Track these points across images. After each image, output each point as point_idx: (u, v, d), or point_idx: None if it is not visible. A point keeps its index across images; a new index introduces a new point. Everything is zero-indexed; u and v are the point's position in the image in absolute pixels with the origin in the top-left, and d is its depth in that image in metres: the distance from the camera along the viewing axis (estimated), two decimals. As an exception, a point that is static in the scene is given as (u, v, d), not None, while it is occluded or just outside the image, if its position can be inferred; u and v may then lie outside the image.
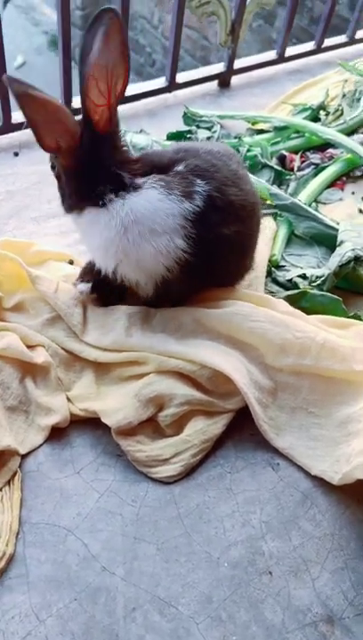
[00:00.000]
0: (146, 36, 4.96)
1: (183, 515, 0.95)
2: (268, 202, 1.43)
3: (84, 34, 0.95)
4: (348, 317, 1.19)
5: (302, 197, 1.48)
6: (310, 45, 2.12)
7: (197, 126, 1.65)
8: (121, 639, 0.82)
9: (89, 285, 1.13)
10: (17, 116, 1.58)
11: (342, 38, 2.20)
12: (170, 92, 1.83)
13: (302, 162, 1.62)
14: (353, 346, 1.07)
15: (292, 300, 1.19)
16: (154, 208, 1.01)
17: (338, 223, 1.39)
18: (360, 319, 1.18)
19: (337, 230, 1.36)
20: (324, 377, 1.07)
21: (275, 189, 1.43)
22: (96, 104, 0.97)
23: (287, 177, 1.55)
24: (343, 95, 1.85)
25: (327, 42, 2.15)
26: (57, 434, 1.02)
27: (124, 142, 1.07)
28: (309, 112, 1.74)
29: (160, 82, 1.82)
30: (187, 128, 1.65)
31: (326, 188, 1.57)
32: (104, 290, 1.13)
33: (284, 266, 1.33)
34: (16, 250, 1.18)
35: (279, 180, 1.54)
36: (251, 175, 1.43)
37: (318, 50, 2.12)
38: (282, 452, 1.03)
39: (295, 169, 1.59)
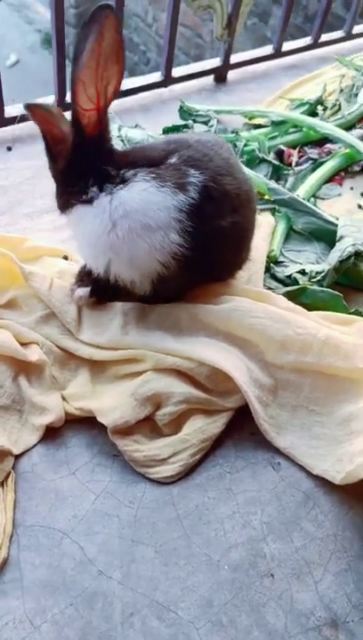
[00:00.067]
0: (140, 34, 4.94)
1: (182, 516, 0.92)
2: (266, 197, 1.40)
3: (79, 33, 0.92)
4: (349, 314, 1.16)
5: (301, 193, 1.45)
6: (306, 40, 2.10)
7: (194, 121, 1.63)
8: (119, 645, 0.80)
9: (87, 290, 1.10)
10: (10, 110, 1.55)
11: (338, 33, 2.19)
12: (166, 86, 1.80)
13: (300, 157, 1.60)
14: (356, 342, 1.05)
15: (291, 296, 1.17)
16: (145, 201, 0.98)
17: (337, 219, 1.37)
18: (362, 315, 1.16)
19: (336, 226, 1.34)
20: (326, 374, 1.04)
21: (273, 184, 1.41)
22: (84, 108, 0.95)
23: (285, 172, 1.53)
24: (341, 90, 1.84)
25: (324, 37, 2.13)
26: (51, 434, 0.99)
27: (111, 144, 1.04)
28: (306, 107, 1.72)
29: (156, 76, 1.79)
30: (183, 122, 1.63)
31: (325, 183, 1.55)
32: (102, 291, 1.09)
33: (283, 262, 1.31)
34: (9, 245, 1.15)
35: (277, 174, 1.52)
36: (249, 170, 1.42)
37: (315, 45, 2.10)
38: (283, 451, 1.00)
39: (293, 164, 1.56)
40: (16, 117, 1.53)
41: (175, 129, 1.58)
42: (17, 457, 0.96)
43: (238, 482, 0.97)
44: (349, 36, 2.19)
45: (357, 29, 2.21)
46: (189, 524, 0.92)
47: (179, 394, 0.99)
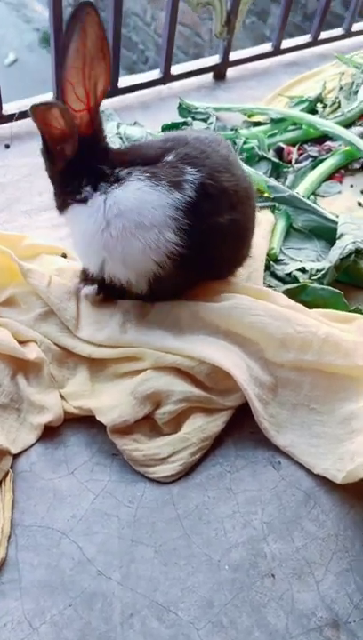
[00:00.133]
0: (138, 33, 4.93)
1: (182, 516, 0.92)
2: (266, 194, 1.39)
3: (63, 34, 0.91)
4: (349, 311, 1.16)
5: (301, 190, 1.45)
6: (305, 38, 2.09)
7: (193, 118, 1.62)
8: (118, 647, 0.79)
9: (94, 287, 1.09)
10: (8, 107, 1.55)
11: (338, 31, 2.17)
12: (164, 83, 1.79)
13: (300, 154, 1.59)
14: (356, 340, 1.04)
15: (292, 294, 1.16)
16: (139, 200, 0.97)
17: (337, 216, 1.36)
18: (362, 313, 1.15)
19: (336, 223, 1.33)
20: (326, 372, 1.03)
21: (273, 182, 1.40)
22: (75, 109, 0.95)
23: (285, 169, 1.52)
24: (340, 88, 1.83)
25: (323, 34, 2.12)
26: (50, 433, 0.98)
27: (106, 142, 1.04)
28: (306, 104, 1.71)
29: (155, 74, 1.78)
30: (182, 120, 1.62)
31: (325, 180, 1.54)
32: (110, 288, 1.08)
33: (282, 259, 1.30)
34: (7, 243, 1.14)
35: (277, 172, 1.51)
36: (248, 167, 1.41)
37: (314, 42, 2.09)
38: (283, 449, 1.00)
39: (293, 161, 1.55)
40: (14, 115, 1.52)
41: (174, 126, 1.57)
42: (15, 456, 0.95)
43: (239, 481, 0.96)
44: (348, 34, 2.18)
45: (356, 27, 2.20)
46: (189, 523, 0.91)
47: (179, 392, 0.98)
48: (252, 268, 1.19)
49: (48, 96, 1.59)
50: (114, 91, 1.68)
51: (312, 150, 1.59)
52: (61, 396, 1.01)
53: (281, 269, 1.26)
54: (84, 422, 1.00)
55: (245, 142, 1.53)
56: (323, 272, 1.22)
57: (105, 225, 0.98)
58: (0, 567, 0.84)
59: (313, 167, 1.55)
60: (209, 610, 0.83)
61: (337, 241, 1.27)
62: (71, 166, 1.00)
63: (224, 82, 1.91)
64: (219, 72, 1.90)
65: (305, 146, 1.61)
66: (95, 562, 0.86)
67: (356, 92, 1.81)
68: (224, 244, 1.06)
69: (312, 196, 1.47)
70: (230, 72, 1.93)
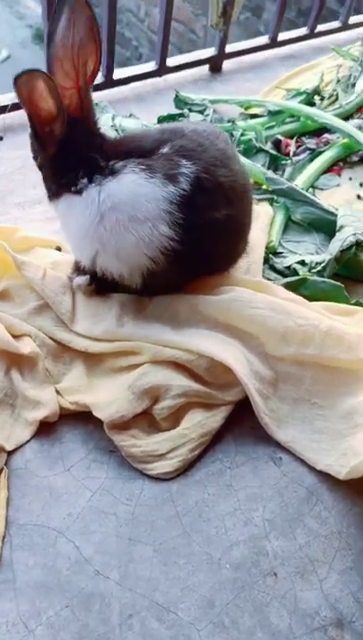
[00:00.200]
0: (132, 29, 4.90)
1: (181, 513, 0.89)
2: (264, 187, 1.37)
3: (53, 16, 0.91)
4: (351, 305, 1.13)
5: (299, 183, 1.43)
6: (302, 30, 2.08)
7: (190, 110, 1.60)
8: (117, 649, 0.77)
9: (86, 277, 1.07)
10: (1, 99, 1.52)
11: (335, 24, 2.16)
12: (160, 75, 1.76)
13: (298, 147, 1.57)
14: (359, 333, 1.02)
15: (291, 288, 1.14)
16: (133, 193, 0.95)
17: (337, 209, 1.34)
18: (363, 306, 1.14)
19: (336, 216, 1.31)
20: (327, 367, 1.01)
21: (271, 174, 1.38)
22: (64, 87, 0.93)
23: (283, 162, 1.50)
24: (338, 80, 1.81)
25: (320, 27, 2.10)
26: (45, 429, 0.96)
27: (99, 126, 1.02)
28: (303, 96, 1.70)
29: (150, 65, 1.76)
30: (178, 112, 1.59)
31: (323, 173, 1.52)
32: (102, 280, 1.06)
33: (281, 252, 1.28)
34: (1, 235, 1.12)
35: (275, 164, 1.49)
36: (246, 159, 1.39)
37: (311, 35, 2.07)
38: (284, 445, 0.97)
39: (291, 154, 1.53)
40: (7, 106, 1.50)
41: (171, 118, 1.55)
42: (9, 453, 0.93)
43: (239, 478, 0.94)
44: (345, 27, 2.16)
45: (353, 20, 2.18)
46: (189, 521, 0.89)
47: (177, 387, 0.96)
48: (251, 261, 1.17)
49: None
50: (109, 83, 1.66)
51: (310, 143, 1.57)
52: (57, 392, 0.98)
53: (280, 262, 1.24)
54: (81, 418, 0.97)
55: (242, 134, 1.51)
56: (323, 265, 1.20)
57: (99, 218, 0.96)
58: (-6, 567, 0.81)
59: (311, 160, 1.53)
60: (210, 610, 0.81)
61: (337, 233, 1.25)
62: (63, 151, 0.97)
63: (220, 74, 1.89)
64: (215, 64, 1.87)
65: (303, 138, 1.59)
66: (92, 561, 0.83)
67: (353, 85, 1.79)
68: (220, 240, 1.04)
69: (311, 189, 1.45)
70: (227, 64, 1.91)
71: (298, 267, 1.22)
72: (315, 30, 2.08)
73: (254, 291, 1.05)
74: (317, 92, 1.73)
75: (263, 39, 1.99)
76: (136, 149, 0.99)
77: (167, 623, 0.79)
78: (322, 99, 1.73)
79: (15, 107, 1.49)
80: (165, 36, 1.69)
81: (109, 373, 1.01)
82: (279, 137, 1.56)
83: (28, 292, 1.07)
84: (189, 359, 0.98)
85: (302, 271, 1.20)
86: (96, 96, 0.97)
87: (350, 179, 1.53)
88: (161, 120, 1.54)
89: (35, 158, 1.04)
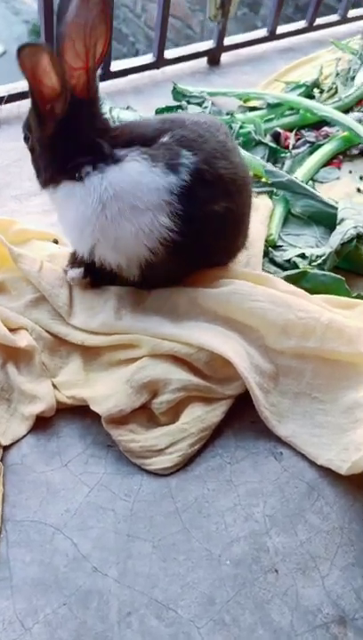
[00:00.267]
0: (129, 25, 4.88)
1: (181, 509, 0.88)
2: (263, 179, 1.36)
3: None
4: (351, 298, 1.12)
5: (299, 176, 1.41)
6: (301, 24, 2.07)
7: (188, 102, 1.58)
8: (115, 647, 0.75)
9: (80, 270, 1.05)
10: (-4, 90, 1.50)
11: (334, 17, 2.15)
12: (158, 68, 1.75)
13: (297, 140, 1.55)
14: (360, 326, 1.01)
15: (292, 281, 1.12)
16: (135, 182, 0.93)
17: (337, 202, 1.33)
18: (364, 299, 1.12)
19: (336, 209, 1.30)
20: (329, 360, 1.00)
21: (270, 167, 1.36)
22: (73, 67, 0.90)
23: (282, 155, 1.49)
24: (337, 74, 1.80)
25: (319, 20, 2.09)
26: (42, 423, 0.95)
27: (104, 112, 1.00)
28: (303, 89, 1.68)
29: (148, 58, 1.74)
30: (176, 104, 1.58)
31: (323, 166, 1.50)
32: (96, 272, 1.04)
33: (281, 246, 1.26)
34: (-3, 228, 1.10)
35: (274, 157, 1.48)
36: (245, 152, 1.37)
37: (310, 28, 2.06)
38: (285, 440, 0.96)
39: (290, 147, 1.52)
40: (3, 98, 1.48)
41: (169, 110, 1.54)
42: (5, 448, 0.91)
43: (239, 473, 0.93)
44: (344, 20, 2.15)
45: (352, 13, 2.17)
46: (189, 517, 0.87)
47: (176, 381, 0.95)
48: (250, 254, 1.15)
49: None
50: (106, 75, 1.64)
51: (310, 136, 1.56)
52: (54, 386, 0.97)
53: (280, 256, 1.23)
54: (78, 412, 0.96)
55: (241, 127, 1.50)
56: (323, 258, 1.18)
57: (101, 207, 0.94)
58: (-10, 564, 0.80)
59: (311, 153, 1.51)
60: (210, 607, 0.79)
61: (338, 226, 1.24)
62: (63, 131, 0.94)
63: (219, 67, 1.88)
64: (213, 57, 1.86)
65: (302, 131, 1.58)
66: (90, 558, 0.82)
67: (353, 78, 1.78)
68: (219, 233, 1.02)
69: (311, 182, 1.44)
70: (225, 57, 1.90)
71: (298, 260, 1.20)
72: (314, 23, 2.06)
73: (254, 283, 1.03)
74: (316, 84, 1.72)
75: (262, 32, 1.97)
76: (138, 137, 0.98)
77: (167, 621, 0.78)
78: (321, 92, 1.72)
79: (11, 99, 1.48)
80: (163, 28, 1.67)
81: (107, 367, 0.99)
82: (279, 130, 1.55)
83: (24, 284, 1.05)
84: (189, 352, 0.97)
85: (303, 264, 1.19)
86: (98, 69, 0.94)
87: (350, 172, 1.51)
88: (159, 112, 1.52)
89: (26, 139, 1.01)
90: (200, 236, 0.98)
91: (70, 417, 0.96)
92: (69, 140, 0.95)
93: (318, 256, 1.20)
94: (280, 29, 1.99)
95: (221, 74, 1.84)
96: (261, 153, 1.46)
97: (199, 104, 1.59)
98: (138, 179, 0.93)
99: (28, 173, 1.35)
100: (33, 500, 0.87)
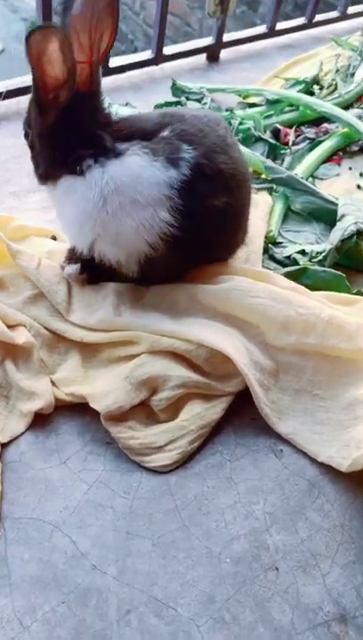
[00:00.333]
0: (128, 23, 4.86)
1: (180, 507, 0.87)
2: (263, 176, 1.35)
3: None
4: (352, 294, 1.11)
5: (299, 172, 1.41)
6: (301, 20, 2.06)
7: (187, 98, 1.58)
8: (114, 645, 0.75)
9: (77, 266, 1.04)
10: (-6, 87, 1.49)
11: (333, 14, 2.14)
12: (156, 64, 1.74)
13: (297, 136, 1.54)
14: (360, 323, 1.00)
15: (292, 277, 1.12)
16: (136, 176, 0.93)
17: (337, 199, 1.32)
18: (364, 296, 1.12)
19: (336, 205, 1.29)
20: (329, 357, 1.00)
21: (270, 163, 1.36)
22: (76, 60, 0.89)
23: (282, 151, 1.48)
24: (337, 70, 1.79)
25: (319, 17, 2.08)
26: (41, 420, 0.94)
27: (106, 105, 0.98)
28: (302, 85, 1.68)
29: (146, 54, 1.73)
30: (176, 99, 1.57)
31: (323, 163, 1.50)
32: (94, 269, 1.03)
33: (281, 242, 1.26)
34: (-5, 224, 1.10)
35: (274, 154, 1.47)
36: (245, 148, 1.36)
37: (309, 24, 2.05)
38: (285, 437, 0.96)
39: (290, 143, 1.51)
40: (1, 94, 1.47)
41: (168, 106, 1.53)
42: (4, 445, 0.91)
43: (239, 470, 0.92)
44: (344, 16, 2.14)
45: (351, 10, 2.16)
46: (188, 514, 0.87)
47: (176, 377, 0.94)
48: (250, 250, 1.14)
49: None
50: (105, 71, 1.63)
51: (309, 132, 1.55)
52: (52, 383, 0.96)
53: (280, 252, 1.22)
54: (77, 409, 0.95)
55: (240, 123, 1.49)
56: (324, 254, 1.18)
57: (102, 202, 0.93)
58: (-12, 562, 0.79)
59: (311, 149, 1.51)
60: (210, 605, 0.79)
61: (338, 222, 1.23)
62: (64, 122, 0.93)
63: (218, 64, 1.87)
64: (212, 53, 1.85)
65: (302, 127, 1.58)
66: (89, 556, 0.81)
67: (352, 75, 1.78)
68: (219, 228, 1.02)
69: (310, 179, 1.43)
70: (224, 54, 1.89)
71: (298, 256, 1.20)
72: (313, 20, 2.06)
73: (254, 280, 1.03)
74: (316, 81, 1.71)
75: (261, 28, 1.96)
76: (138, 131, 0.97)
77: (166, 619, 0.77)
78: (321, 88, 1.71)
79: (9, 95, 1.47)
80: (162, 24, 1.67)
81: (106, 364, 0.99)
82: (278, 126, 1.55)
83: (22, 281, 1.04)
84: (188, 349, 0.96)
85: (303, 261, 1.18)
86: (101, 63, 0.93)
87: (350, 168, 1.51)
88: (157, 108, 1.51)
89: (26, 136, 1.00)
90: (200, 230, 0.98)
91: (69, 414, 0.95)
92: (71, 132, 0.94)
93: (318, 252, 1.19)
94: (280, 26, 1.98)
95: (220, 70, 1.84)
96: (260, 149, 1.46)
97: (199, 100, 1.59)
98: (139, 173, 0.93)
99: (27, 170, 1.34)
100: (31, 498, 0.86)
